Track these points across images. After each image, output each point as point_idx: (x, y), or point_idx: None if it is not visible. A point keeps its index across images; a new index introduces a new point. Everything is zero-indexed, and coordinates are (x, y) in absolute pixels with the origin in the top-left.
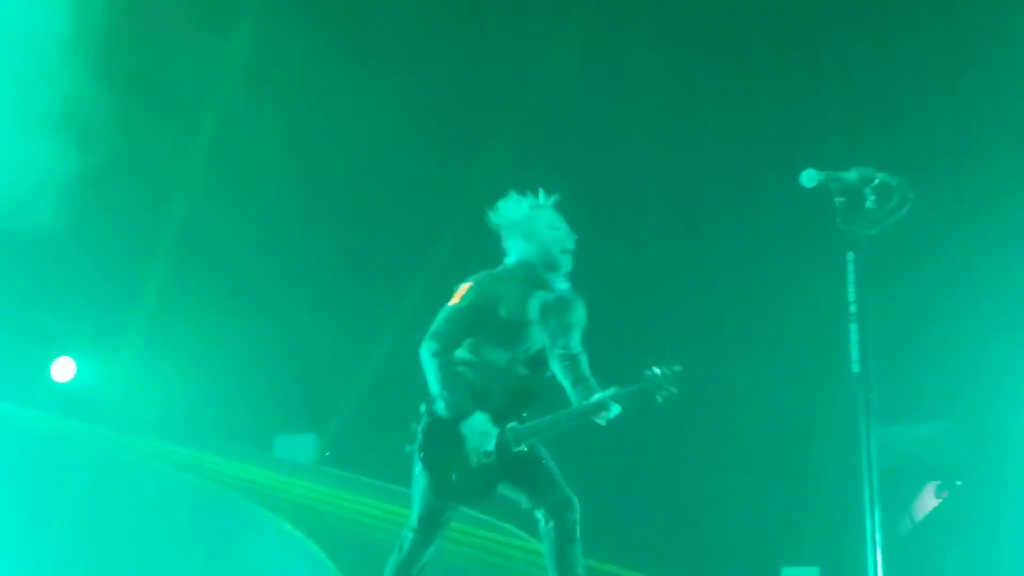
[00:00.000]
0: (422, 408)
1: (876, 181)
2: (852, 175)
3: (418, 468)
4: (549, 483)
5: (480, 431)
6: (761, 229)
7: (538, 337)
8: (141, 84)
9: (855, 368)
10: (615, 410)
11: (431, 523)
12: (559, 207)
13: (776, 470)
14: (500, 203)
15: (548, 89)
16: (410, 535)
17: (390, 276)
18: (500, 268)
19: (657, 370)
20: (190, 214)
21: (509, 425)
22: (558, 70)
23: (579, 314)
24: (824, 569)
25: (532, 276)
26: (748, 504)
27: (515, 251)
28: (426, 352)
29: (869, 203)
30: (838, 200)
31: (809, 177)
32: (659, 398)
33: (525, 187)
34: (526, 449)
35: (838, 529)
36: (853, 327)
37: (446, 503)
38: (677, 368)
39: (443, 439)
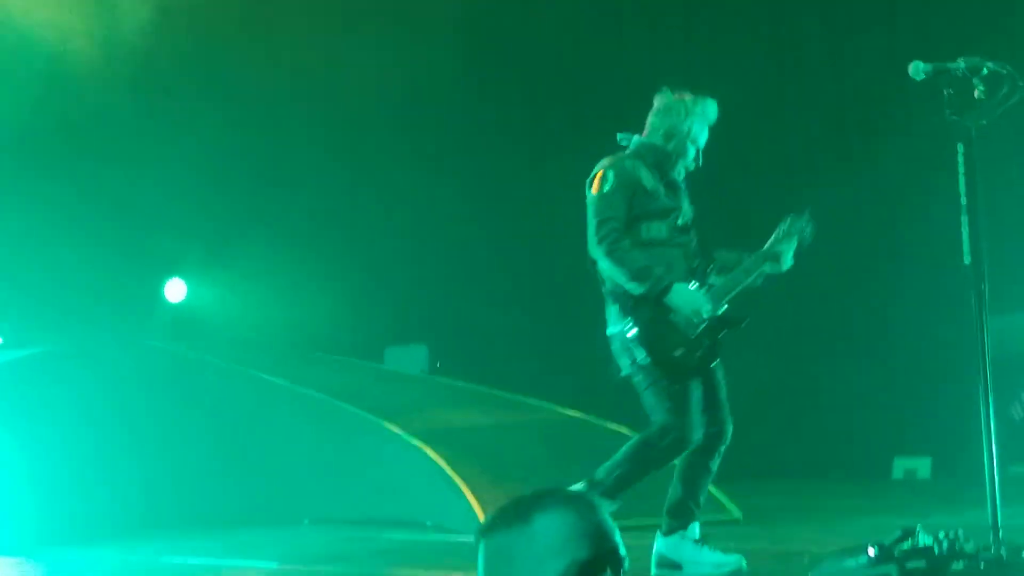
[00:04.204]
0: (621, 321)
1: (985, 71)
2: (960, 65)
3: (642, 370)
4: (717, 398)
5: (690, 296)
6: (871, 123)
7: (684, 208)
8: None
9: (967, 259)
10: (788, 258)
11: (683, 413)
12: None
13: (889, 361)
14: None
15: None
16: (666, 439)
17: (499, 188)
18: (629, 151)
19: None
20: (298, 132)
21: (705, 287)
22: None
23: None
24: (936, 459)
25: (660, 156)
26: (861, 395)
27: (652, 132)
28: (598, 251)
29: (978, 93)
30: (947, 92)
31: (917, 69)
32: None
33: None
34: (725, 309)
35: (950, 419)
36: (964, 219)
37: (683, 382)
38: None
39: (654, 318)
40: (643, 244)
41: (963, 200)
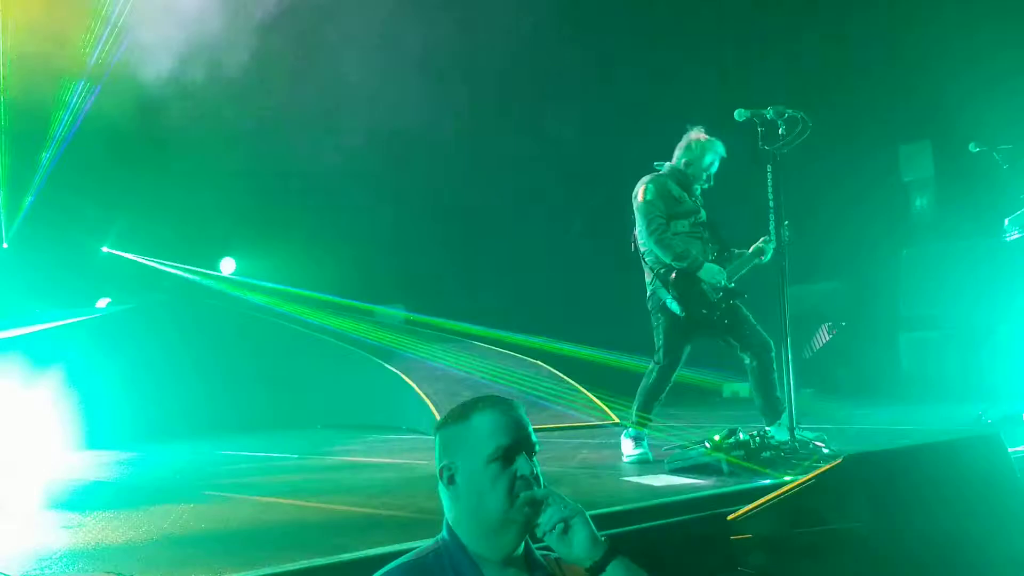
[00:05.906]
0: (653, 285)
1: (786, 115)
2: (769, 112)
3: (668, 312)
4: (752, 329)
5: (715, 270)
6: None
7: (701, 212)
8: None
9: (773, 243)
10: (769, 251)
11: (675, 354)
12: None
13: None
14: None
15: None
16: (656, 367)
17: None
18: (664, 172)
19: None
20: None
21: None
22: None
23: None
24: None
25: (681, 178)
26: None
27: (681, 159)
28: (651, 239)
29: (781, 130)
30: (760, 129)
31: (740, 114)
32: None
33: None
34: (733, 286)
35: None
36: (771, 216)
37: (693, 333)
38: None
39: (688, 286)
40: (674, 234)
41: (770, 203)
